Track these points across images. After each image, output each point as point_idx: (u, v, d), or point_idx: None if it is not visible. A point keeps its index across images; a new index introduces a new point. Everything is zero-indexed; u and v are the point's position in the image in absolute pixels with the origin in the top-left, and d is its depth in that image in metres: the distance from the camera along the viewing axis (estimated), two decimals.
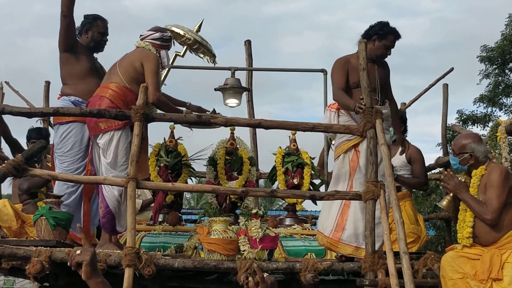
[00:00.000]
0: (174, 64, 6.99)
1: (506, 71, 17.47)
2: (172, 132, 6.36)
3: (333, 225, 5.08)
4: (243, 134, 7.20)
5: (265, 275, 2.35)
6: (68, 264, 2.37)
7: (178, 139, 6.35)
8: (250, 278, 2.35)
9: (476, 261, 4.30)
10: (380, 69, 5.40)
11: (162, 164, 6.08)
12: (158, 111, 5.19)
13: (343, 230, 5.02)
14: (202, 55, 6.55)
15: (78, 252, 2.35)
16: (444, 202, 4.70)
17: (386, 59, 5.49)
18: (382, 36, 5.32)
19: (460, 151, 4.55)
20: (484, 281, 4.19)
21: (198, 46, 6.47)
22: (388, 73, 5.51)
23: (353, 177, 5.06)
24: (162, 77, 6.82)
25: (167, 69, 6.74)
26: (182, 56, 6.73)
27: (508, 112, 16.63)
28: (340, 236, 5.02)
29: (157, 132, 5.27)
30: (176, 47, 6.63)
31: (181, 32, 6.35)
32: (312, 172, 6.39)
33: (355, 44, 5.19)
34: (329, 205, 5.17)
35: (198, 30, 6.64)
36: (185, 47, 6.59)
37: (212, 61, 6.64)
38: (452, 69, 7.68)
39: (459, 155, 4.55)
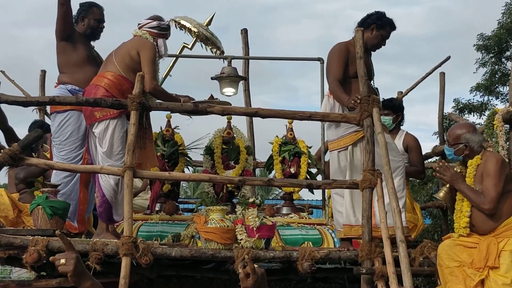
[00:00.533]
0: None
1: (503, 59, 17.43)
2: (168, 121, 6.34)
3: None
4: (240, 123, 7.20)
5: (255, 266, 2.33)
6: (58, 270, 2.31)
7: (175, 128, 6.33)
8: (240, 270, 2.33)
9: (473, 249, 4.31)
10: (370, 59, 5.41)
11: (159, 153, 6.05)
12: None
13: (374, 216, 4.96)
14: (210, 47, 6.52)
15: (63, 261, 2.27)
16: (441, 194, 4.70)
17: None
18: (380, 26, 5.31)
19: (455, 141, 4.55)
20: (481, 269, 4.21)
21: (206, 40, 6.44)
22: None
23: None
24: (168, 68, 6.83)
25: (173, 59, 6.72)
26: (191, 48, 6.70)
27: (504, 101, 16.58)
28: (374, 222, 4.95)
29: (154, 121, 5.26)
30: (185, 38, 6.62)
31: (188, 25, 6.31)
32: (309, 161, 6.39)
33: (354, 32, 5.12)
34: (350, 199, 5.11)
35: (209, 23, 6.61)
36: (194, 39, 6.56)
37: (219, 54, 6.62)
38: (449, 58, 7.67)
39: (454, 146, 4.55)
